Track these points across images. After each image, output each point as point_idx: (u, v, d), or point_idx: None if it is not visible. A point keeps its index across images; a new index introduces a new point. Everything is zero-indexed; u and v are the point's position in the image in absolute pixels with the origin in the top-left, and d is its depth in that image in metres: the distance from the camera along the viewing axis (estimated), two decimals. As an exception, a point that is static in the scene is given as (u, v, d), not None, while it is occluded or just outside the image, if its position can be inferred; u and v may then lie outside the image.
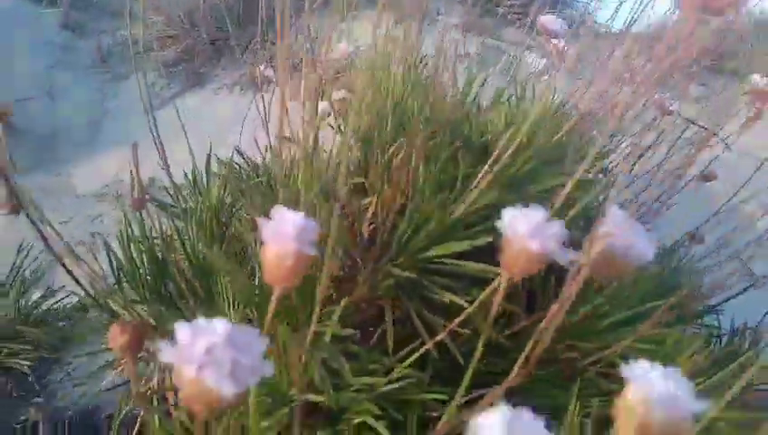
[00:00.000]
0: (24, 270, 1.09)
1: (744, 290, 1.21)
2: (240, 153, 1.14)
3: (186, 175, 1.07)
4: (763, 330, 1.13)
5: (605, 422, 0.75)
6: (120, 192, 2.40)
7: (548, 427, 0.36)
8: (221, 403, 0.32)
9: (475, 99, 0.85)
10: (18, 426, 1.19)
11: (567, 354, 0.73)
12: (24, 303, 1.09)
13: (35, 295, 1.13)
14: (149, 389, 0.78)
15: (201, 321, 0.31)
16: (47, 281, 1.20)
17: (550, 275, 0.75)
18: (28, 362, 1.04)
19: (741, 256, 1.21)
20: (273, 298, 0.39)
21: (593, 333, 0.75)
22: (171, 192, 0.99)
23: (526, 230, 0.42)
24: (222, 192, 1.02)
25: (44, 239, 0.62)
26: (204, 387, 0.29)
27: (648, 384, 0.36)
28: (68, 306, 1.14)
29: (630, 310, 0.79)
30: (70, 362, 1.19)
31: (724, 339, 1.16)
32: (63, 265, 0.63)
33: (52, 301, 1.12)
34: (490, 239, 0.63)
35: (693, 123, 1.10)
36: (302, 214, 0.38)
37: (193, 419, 0.64)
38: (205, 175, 1.06)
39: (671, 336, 0.77)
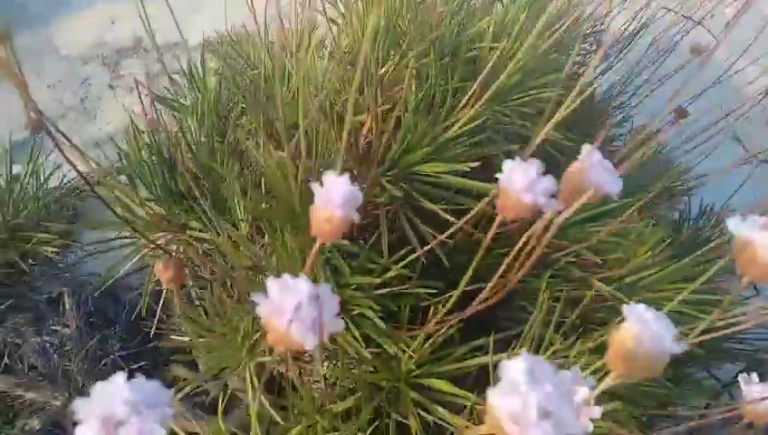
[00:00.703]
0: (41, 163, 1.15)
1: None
2: (232, 40, 1.16)
3: (180, 64, 1.10)
4: (726, 212, 1.23)
5: (573, 304, 0.88)
6: (105, 55, 2.38)
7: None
8: (299, 347, 0.42)
9: (464, 6, 0.86)
10: (45, 298, 1.33)
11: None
12: (42, 193, 1.17)
13: (52, 184, 1.21)
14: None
15: (288, 278, 0.40)
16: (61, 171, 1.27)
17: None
18: (54, 249, 1.14)
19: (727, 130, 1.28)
20: (314, 249, 0.48)
21: (563, 229, 0.85)
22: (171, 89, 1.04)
23: (521, 185, 0.49)
24: (219, 86, 1.06)
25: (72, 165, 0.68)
26: (289, 337, 0.39)
27: (642, 323, 0.44)
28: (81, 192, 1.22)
29: (599, 207, 0.88)
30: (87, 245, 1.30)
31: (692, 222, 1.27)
32: (89, 185, 0.70)
33: (65, 190, 1.20)
34: (474, 165, 0.70)
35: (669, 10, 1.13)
36: (347, 181, 0.45)
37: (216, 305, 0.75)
38: (200, 67, 1.09)
39: (635, 229, 0.87)
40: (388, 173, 0.77)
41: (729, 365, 1.24)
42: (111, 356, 1.26)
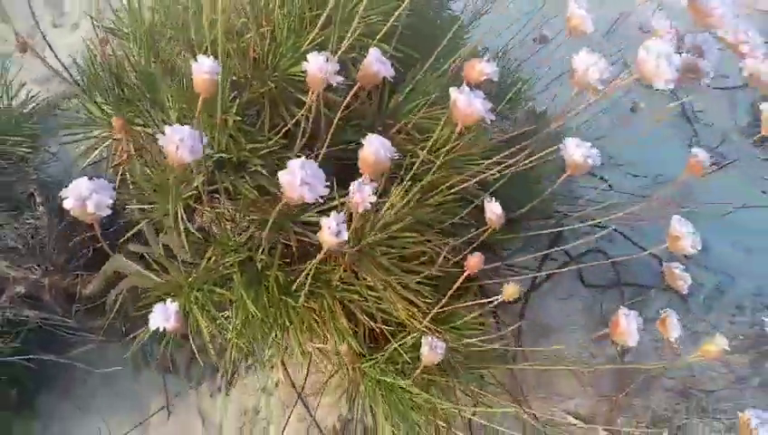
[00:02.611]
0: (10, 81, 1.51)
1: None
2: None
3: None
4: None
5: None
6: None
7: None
8: (183, 164, 0.82)
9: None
10: (20, 194, 1.69)
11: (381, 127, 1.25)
12: (11, 104, 1.52)
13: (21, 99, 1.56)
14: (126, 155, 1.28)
15: (177, 126, 0.80)
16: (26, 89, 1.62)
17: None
18: (26, 149, 1.50)
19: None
20: (200, 101, 0.88)
21: (401, 114, 1.28)
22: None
23: (315, 68, 0.90)
24: (153, 16, 1.42)
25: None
26: (177, 157, 0.80)
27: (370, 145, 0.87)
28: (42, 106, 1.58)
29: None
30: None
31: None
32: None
33: (32, 103, 1.56)
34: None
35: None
36: (212, 60, 0.85)
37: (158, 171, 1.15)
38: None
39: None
40: (272, 75, 1.17)
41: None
42: (78, 237, 1.65)
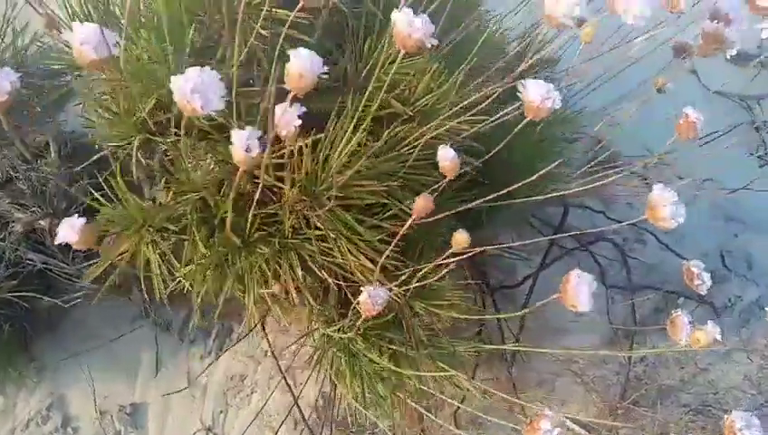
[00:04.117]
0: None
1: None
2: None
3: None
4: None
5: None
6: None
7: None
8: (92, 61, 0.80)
9: None
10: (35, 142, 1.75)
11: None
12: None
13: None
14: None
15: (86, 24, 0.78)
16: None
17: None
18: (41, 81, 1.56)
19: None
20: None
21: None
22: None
23: None
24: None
25: None
26: (81, 53, 0.77)
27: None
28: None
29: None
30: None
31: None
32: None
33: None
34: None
35: None
36: None
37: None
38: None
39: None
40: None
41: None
42: (79, 183, 1.68)
